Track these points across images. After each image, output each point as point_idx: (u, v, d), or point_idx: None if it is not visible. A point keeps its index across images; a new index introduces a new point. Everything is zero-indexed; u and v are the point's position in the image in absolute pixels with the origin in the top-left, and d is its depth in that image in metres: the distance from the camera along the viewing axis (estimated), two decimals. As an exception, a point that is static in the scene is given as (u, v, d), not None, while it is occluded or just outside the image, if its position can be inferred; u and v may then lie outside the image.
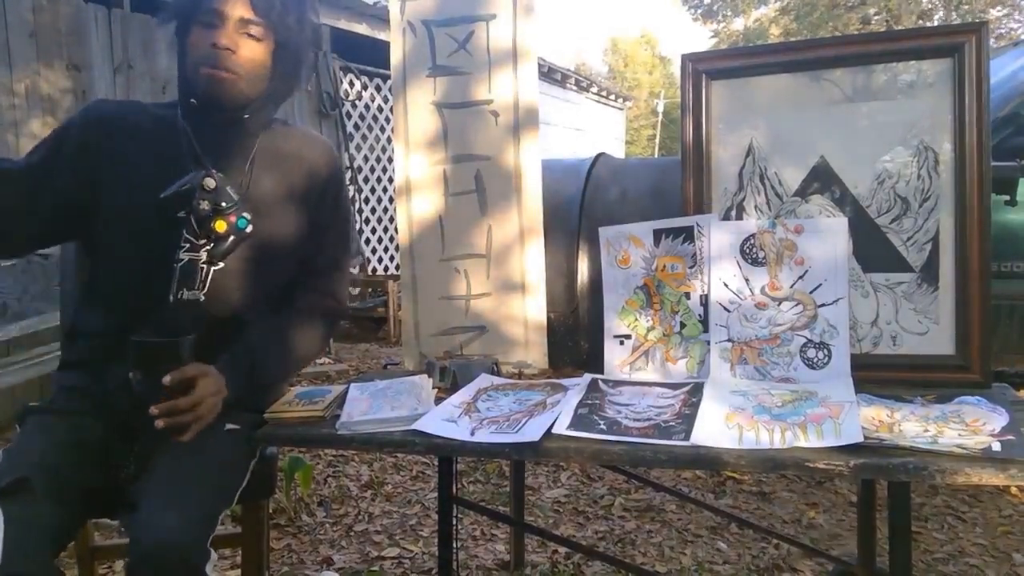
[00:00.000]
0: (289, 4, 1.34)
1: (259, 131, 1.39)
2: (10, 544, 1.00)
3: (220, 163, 1.34)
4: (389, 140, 6.90)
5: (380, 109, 7.07)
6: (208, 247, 1.31)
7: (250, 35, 1.30)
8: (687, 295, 1.55)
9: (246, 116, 1.35)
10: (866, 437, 1.10)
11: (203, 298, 1.30)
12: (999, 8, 15.20)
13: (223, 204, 1.29)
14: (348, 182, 6.13)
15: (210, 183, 1.28)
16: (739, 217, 1.58)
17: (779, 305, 1.47)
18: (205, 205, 1.28)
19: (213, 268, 1.31)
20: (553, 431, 1.22)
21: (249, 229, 1.32)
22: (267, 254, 1.37)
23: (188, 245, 1.30)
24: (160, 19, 1.35)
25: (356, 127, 6.88)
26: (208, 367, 1.23)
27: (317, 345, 1.48)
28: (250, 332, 1.35)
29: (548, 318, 1.73)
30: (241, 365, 1.30)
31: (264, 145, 1.39)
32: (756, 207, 1.57)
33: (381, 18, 6.41)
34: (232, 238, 1.30)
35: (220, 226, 1.29)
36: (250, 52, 1.31)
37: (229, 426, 1.28)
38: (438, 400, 1.42)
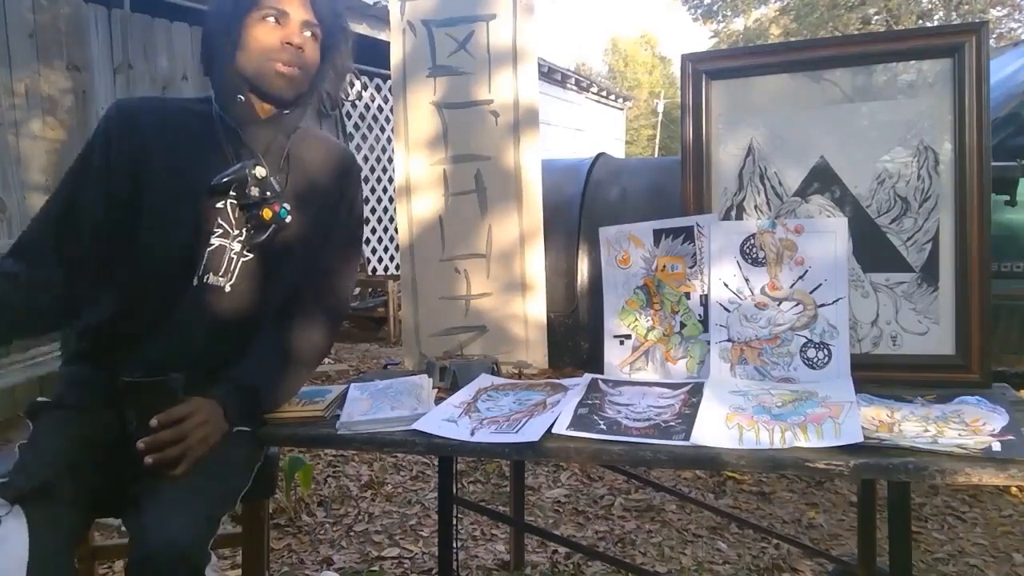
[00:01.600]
0: (337, 12, 1.38)
1: (291, 132, 1.41)
2: (35, 549, 1.01)
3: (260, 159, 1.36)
4: (389, 140, 6.90)
5: (380, 109, 7.06)
6: (240, 237, 1.33)
7: (311, 35, 1.34)
8: (687, 295, 1.55)
9: (285, 113, 1.37)
10: (866, 437, 1.09)
11: (229, 288, 1.32)
12: (999, 8, 15.22)
13: (269, 193, 1.32)
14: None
15: (261, 171, 1.32)
16: (739, 217, 1.58)
17: (779, 305, 1.47)
18: (255, 192, 1.31)
19: (243, 259, 1.33)
20: (553, 431, 1.22)
21: (288, 219, 1.34)
22: (290, 253, 1.38)
23: (221, 231, 1.32)
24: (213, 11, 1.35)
25: (356, 127, 6.87)
26: (201, 402, 1.21)
27: (322, 349, 1.46)
28: (252, 353, 1.33)
29: (548, 318, 1.73)
30: (244, 396, 1.28)
31: (293, 147, 1.41)
32: (756, 207, 1.57)
33: (381, 18, 6.39)
34: (272, 228, 1.33)
35: (267, 214, 1.32)
36: (312, 53, 1.35)
37: (238, 428, 1.28)
38: (438, 400, 1.42)
